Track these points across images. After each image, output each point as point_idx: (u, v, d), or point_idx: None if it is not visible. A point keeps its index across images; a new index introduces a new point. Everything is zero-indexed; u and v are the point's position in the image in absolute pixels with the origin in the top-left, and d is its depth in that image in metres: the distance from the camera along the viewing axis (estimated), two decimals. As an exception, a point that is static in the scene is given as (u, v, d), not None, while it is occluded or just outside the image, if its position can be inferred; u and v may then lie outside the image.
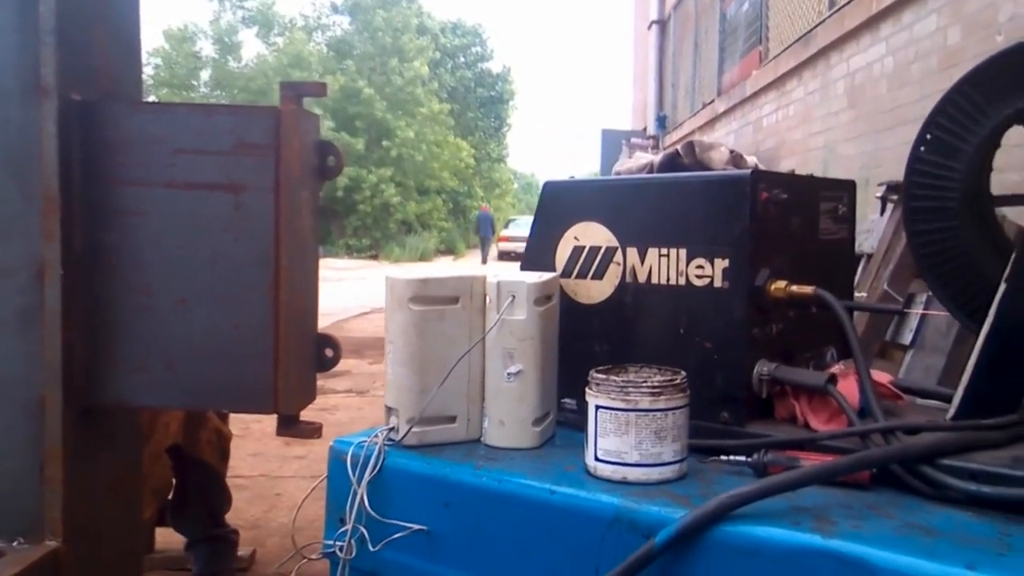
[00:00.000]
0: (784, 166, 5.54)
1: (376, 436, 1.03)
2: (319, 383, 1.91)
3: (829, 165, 4.69)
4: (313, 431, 1.89)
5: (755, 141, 6.26)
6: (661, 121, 11.82)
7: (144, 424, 2.30)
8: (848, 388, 1.05)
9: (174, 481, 2.43)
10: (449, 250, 34.48)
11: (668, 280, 1.10)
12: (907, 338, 2.28)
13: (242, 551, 2.78)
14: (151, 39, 31.76)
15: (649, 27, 13.15)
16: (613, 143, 13.00)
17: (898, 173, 1.16)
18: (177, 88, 31.55)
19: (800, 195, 1.16)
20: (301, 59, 32.48)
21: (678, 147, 1.19)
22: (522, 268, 1.21)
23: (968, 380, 1.01)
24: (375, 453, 1.00)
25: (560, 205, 1.22)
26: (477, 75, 45.02)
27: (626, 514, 0.88)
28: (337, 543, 1.00)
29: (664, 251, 1.11)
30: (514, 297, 1.03)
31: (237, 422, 3.16)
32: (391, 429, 1.05)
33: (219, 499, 2.57)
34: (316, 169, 1.93)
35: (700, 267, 1.09)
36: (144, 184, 1.80)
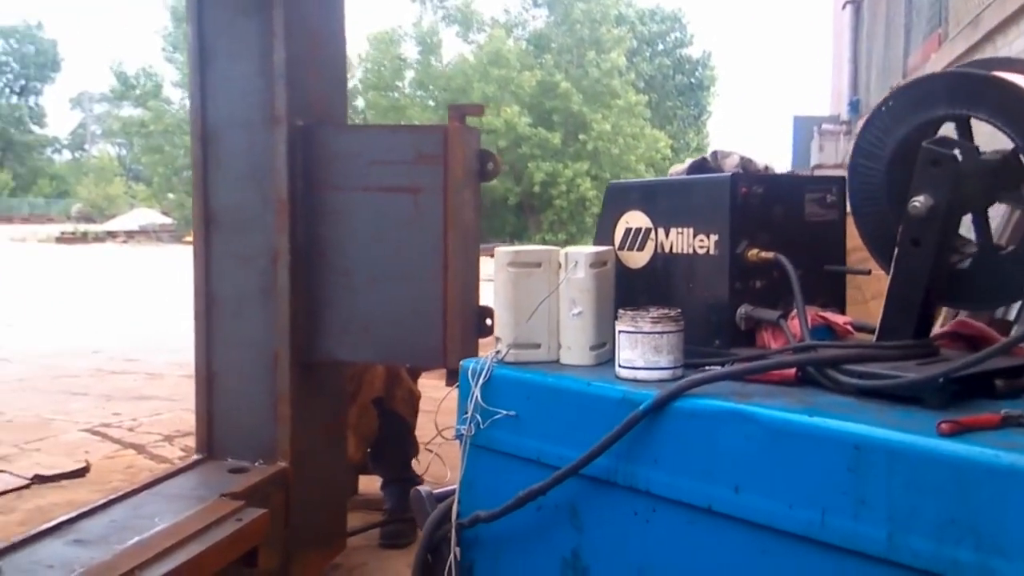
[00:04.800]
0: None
1: (488, 357, 1.50)
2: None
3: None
4: (476, 385, 2.37)
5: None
6: (854, 106, 11.51)
7: (354, 381, 2.87)
8: (796, 323, 1.42)
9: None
10: (643, 241, 34.42)
11: (683, 250, 1.56)
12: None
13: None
14: (361, 44, 33.78)
15: (843, 7, 12.79)
16: (805, 130, 12.80)
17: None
18: (383, 90, 33.39)
19: (782, 189, 1.56)
20: (500, 56, 33.54)
21: (706, 155, 1.54)
22: (594, 244, 1.65)
23: (881, 316, 1.34)
24: (486, 367, 1.47)
25: (617, 199, 1.67)
26: (676, 62, 44.45)
27: (628, 396, 1.32)
28: (462, 427, 1.48)
29: (680, 230, 1.56)
30: (577, 263, 1.47)
31: (430, 401, 3.65)
32: (497, 352, 1.50)
33: (409, 447, 3.11)
34: (476, 173, 2.38)
35: (701, 240, 1.54)
36: (347, 189, 2.32)
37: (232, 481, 2.19)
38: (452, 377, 2.34)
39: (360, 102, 31.98)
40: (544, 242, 31.21)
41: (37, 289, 13.32)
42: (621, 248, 1.62)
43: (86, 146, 64.40)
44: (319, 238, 2.34)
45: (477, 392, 1.45)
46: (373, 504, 3.23)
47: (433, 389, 3.42)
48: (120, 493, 2.06)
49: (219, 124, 2.35)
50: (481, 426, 1.44)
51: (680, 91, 44.38)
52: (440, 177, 2.27)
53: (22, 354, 6.97)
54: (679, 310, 1.38)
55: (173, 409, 4.93)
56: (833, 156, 11.06)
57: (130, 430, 4.55)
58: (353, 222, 2.32)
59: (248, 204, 2.34)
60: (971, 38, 4.98)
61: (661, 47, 44.05)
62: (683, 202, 1.56)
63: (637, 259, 1.60)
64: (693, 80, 44.72)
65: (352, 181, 2.32)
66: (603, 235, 1.66)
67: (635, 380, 1.35)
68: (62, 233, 32.57)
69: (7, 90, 60.34)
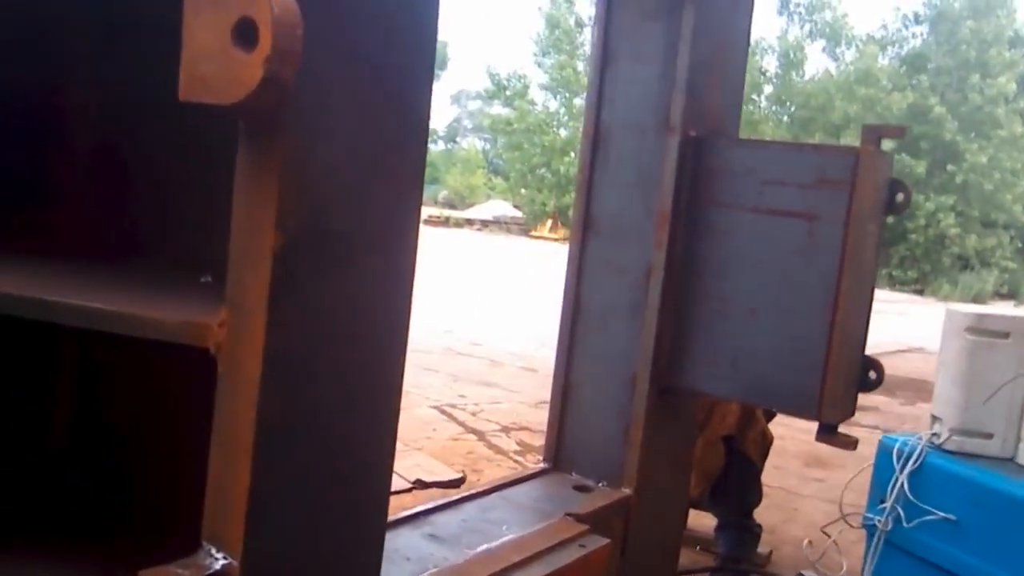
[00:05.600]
0: None
1: (920, 438, 1.22)
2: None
3: None
4: (849, 443, 2.08)
5: None
6: None
7: (704, 413, 2.69)
8: None
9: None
10: (1011, 293, 30.35)
11: None
12: None
13: (760, 549, 3.02)
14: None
15: None
16: None
17: None
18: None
19: None
20: (869, 74, 31.44)
21: None
22: None
23: None
24: (918, 450, 1.19)
25: None
26: (1081, 91, 38.90)
27: None
28: (877, 517, 1.22)
29: None
30: None
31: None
32: (934, 434, 1.22)
33: (753, 493, 2.86)
34: (884, 205, 2.08)
35: None
36: (734, 208, 2.13)
37: (576, 500, 2.11)
38: (825, 432, 2.07)
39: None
40: (890, 279, 28.81)
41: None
42: None
43: (458, 139, 70.60)
44: (697, 257, 2.18)
45: (903, 480, 1.20)
46: (701, 542, 3.03)
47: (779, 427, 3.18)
48: (472, 492, 2.06)
49: (612, 127, 2.27)
50: (904, 523, 1.19)
51: (1084, 123, 38.65)
52: (843, 205, 2.01)
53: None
54: None
55: (511, 400, 5.09)
56: None
57: (472, 414, 4.75)
58: (736, 245, 2.13)
59: (629, 213, 2.25)
60: None
61: (1063, 73, 38.63)
62: None
63: None
64: (1100, 113, 38.74)
65: (741, 200, 2.13)
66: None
67: None
68: (429, 216, 35.89)
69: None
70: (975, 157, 29.64)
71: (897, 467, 1.22)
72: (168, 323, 0.93)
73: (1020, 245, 32.71)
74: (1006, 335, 1.19)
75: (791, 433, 2.96)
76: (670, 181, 2.15)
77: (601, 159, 2.27)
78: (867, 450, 5.56)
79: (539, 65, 37.50)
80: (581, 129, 2.34)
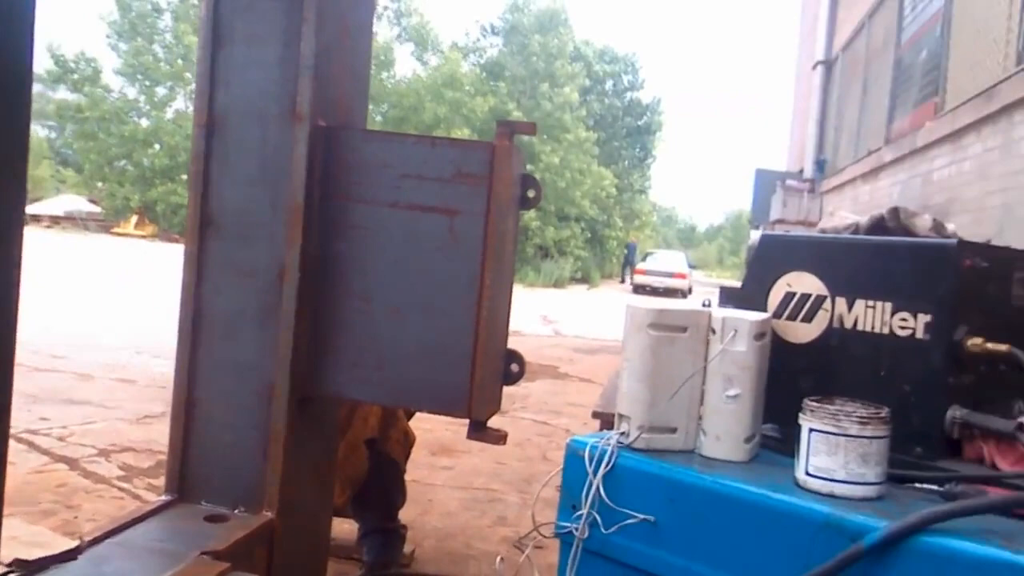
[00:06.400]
0: (958, 223, 5.35)
1: (609, 439, 1.20)
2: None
3: (1005, 227, 4.53)
4: (499, 438, 2.07)
5: (923, 195, 6.09)
6: (820, 165, 11.52)
7: (343, 417, 2.54)
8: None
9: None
10: (584, 278, 34.54)
11: (873, 328, 1.26)
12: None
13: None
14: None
15: (814, 67, 12.83)
16: (767, 184, 12.89)
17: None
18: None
19: (996, 264, 1.29)
20: (454, 79, 33.46)
21: (884, 212, 1.31)
22: (737, 307, 1.35)
23: None
24: (609, 452, 1.17)
25: (775, 255, 1.37)
26: (626, 104, 45.01)
27: (835, 520, 1.01)
28: (572, 525, 1.17)
29: (871, 303, 1.28)
30: (736, 331, 1.18)
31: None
32: (622, 433, 1.21)
33: (397, 494, 2.79)
34: (519, 200, 2.11)
35: (904, 320, 1.26)
36: (372, 203, 2.02)
37: (211, 534, 1.85)
38: (476, 429, 2.05)
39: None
40: (483, 269, 30.86)
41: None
42: (778, 316, 1.35)
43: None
44: (335, 256, 2.03)
45: (598, 483, 1.15)
46: (344, 551, 2.89)
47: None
48: (79, 544, 1.70)
49: (229, 114, 2.03)
50: (602, 528, 1.14)
51: (628, 132, 44.93)
52: (483, 200, 1.99)
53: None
54: (886, 408, 1.11)
55: (107, 417, 4.49)
56: (795, 212, 11.10)
57: (60, 439, 4.10)
58: (376, 241, 2.02)
59: (254, 209, 2.03)
60: (983, 109, 4.91)
61: (613, 88, 44.55)
62: (878, 269, 1.28)
63: (801, 332, 1.33)
64: (641, 123, 45.33)
65: (378, 194, 2.02)
66: (752, 296, 1.38)
67: (831, 495, 1.07)
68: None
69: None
70: (549, 158, 32.95)
71: (590, 471, 1.18)
72: None
73: (589, 236, 37.18)
74: (684, 329, 1.20)
75: (414, 423, 2.93)
76: (300, 175, 1.97)
77: (218, 149, 2.02)
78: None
79: (114, 49, 34.35)
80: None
